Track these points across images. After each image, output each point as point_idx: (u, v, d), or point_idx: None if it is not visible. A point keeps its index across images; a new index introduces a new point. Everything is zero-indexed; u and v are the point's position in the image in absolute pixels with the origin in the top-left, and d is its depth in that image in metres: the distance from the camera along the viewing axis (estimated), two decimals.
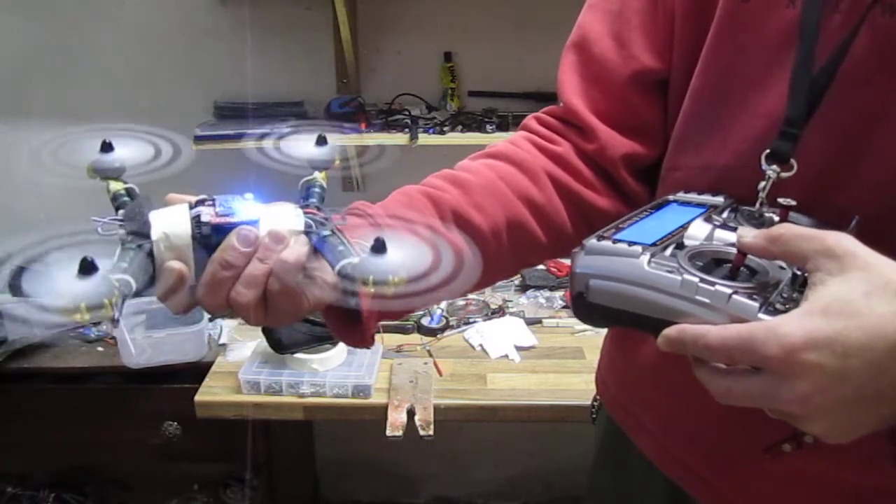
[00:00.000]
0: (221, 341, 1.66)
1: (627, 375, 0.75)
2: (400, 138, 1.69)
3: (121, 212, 0.52)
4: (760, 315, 0.43)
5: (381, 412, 1.39)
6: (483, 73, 1.86)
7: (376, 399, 1.43)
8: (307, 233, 0.51)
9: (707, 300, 0.45)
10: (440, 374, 1.51)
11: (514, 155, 0.70)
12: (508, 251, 0.67)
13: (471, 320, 1.71)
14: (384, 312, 0.60)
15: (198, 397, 1.44)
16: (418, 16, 1.83)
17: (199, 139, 1.68)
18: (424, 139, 1.68)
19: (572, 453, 2.21)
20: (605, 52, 0.68)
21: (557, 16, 1.82)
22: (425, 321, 1.68)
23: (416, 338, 1.66)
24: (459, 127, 1.73)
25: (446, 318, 1.70)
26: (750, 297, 0.44)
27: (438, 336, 1.66)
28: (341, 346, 1.50)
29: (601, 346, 0.85)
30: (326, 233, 0.51)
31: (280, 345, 1.46)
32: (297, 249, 0.51)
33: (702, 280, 0.45)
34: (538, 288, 1.87)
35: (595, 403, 0.88)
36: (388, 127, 1.73)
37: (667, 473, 0.69)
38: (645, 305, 0.48)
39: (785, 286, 0.46)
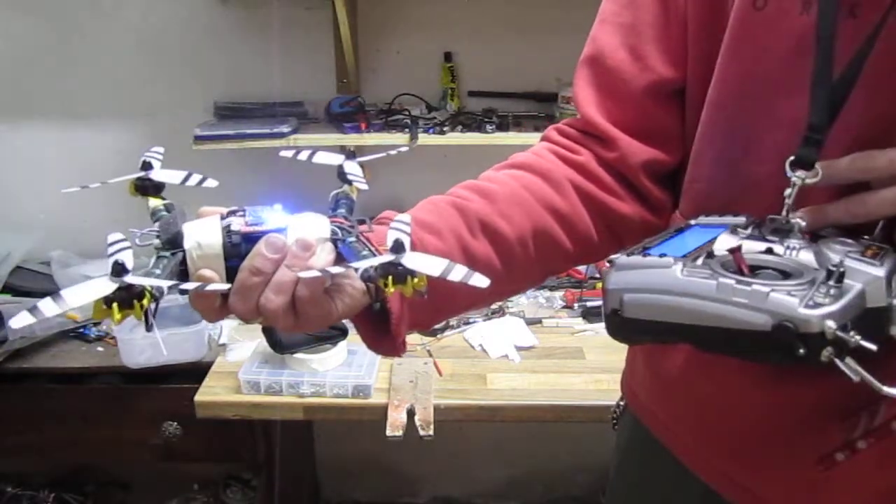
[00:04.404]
0: (221, 341, 1.66)
1: (655, 387, 0.75)
2: (400, 138, 1.69)
3: (157, 224, 0.54)
4: (801, 310, 0.43)
5: (381, 412, 1.39)
6: (483, 73, 1.86)
7: (376, 399, 1.43)
8: (334, 240, 0.53)
9: (746, 300, 0.44)
10: (440, 374, 1.51)
11: (536, 165, 0.70)
12: (535, 259, 0.67)
13: (471, 320, 1.71)
14: (413, 319, 0.60)
15: (198, 397, 1.44)
16: (418, 16, 1.83)
17: (199, 139, 1.67)
18: (424, 139, 1.68)
19: (572, 453, 2.21)
20: (620, 65, 0.69)
21: (557, 16, 1.82)
22: None
23: (416, 338, 1.66)
24: (459, 127, 1.73)
25: None
26: (788, 293, 0.44)
27: (438, 336, 1.66)
28: (341, 346, 1.50)
29: (626, 353, 0.84)
30: (352, 240, 0.53)
31: (280, 345, 1.46)
32: (323, 257, 0.52)
33: (738, 281, 0.45)
34: (538, 288, 1.87)
35: (618, 408, 0.87)
36: (388, 127, 1.73)
37: (704, 479, 0.69)
38: (683, 314, 0.47)
39: (821, 283, 0.45)
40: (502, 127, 1.73)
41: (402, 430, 1.36)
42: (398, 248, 0.48)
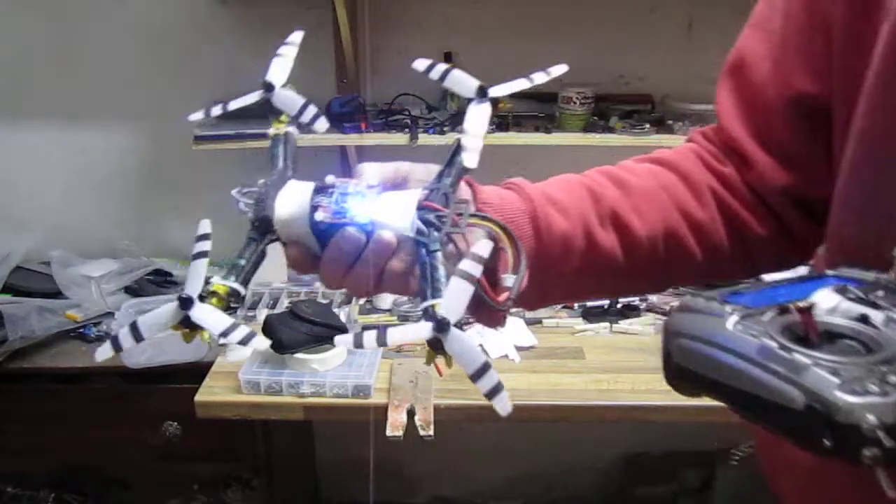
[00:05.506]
0: (221, 341, 1.66)
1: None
2: (400, 138, 1.69)
3: (261, 182, 0.55)
4: (836, 392, 0.35)
5: (381, 412, 1.39)
6: (483, 73, 1.85)
7: (376, 399, 1.43)
8: (416, 240, 0.51)
9: (782, 369, 0.38)
10: (440, 374, 1.51)
11: (679, 165, 0.67)
12: (661, 262, 0.64)
13: (471, 320, 1.70)
14: (518, 300, 0.56)
15: (198, 397, 1.44)
16: (418, 16, 1.83)
17: (198, 139, 1.67)
18: (424, 139, 1.68)
19: (572, 453, 2.21)
20: (762, 76, 0.63)
21: (558, 16, 1.82)
22: None
23: None
24: (459, 127, 1.73)
25: None
26: (834, 371, 0.36)
27: None
28: (341, 346, 1.50)
29: None
30: (435, 246, 0.51)
31: (280, 345, 1.46)
32: (402, 258, 0.52)
33: (781, 346, 0.39)
34: None
35: (749, 447, 0.82)
36: (388, 127, 1.73)
37: None
38: (723, 371, 0.41)
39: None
40: (502, 127, 1.73)
41: (402, 430, 1.36)
42: (442, 327, 0.45)
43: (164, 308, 0.49)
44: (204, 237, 0.51)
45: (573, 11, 1.81)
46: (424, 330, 0.45)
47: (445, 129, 1.72)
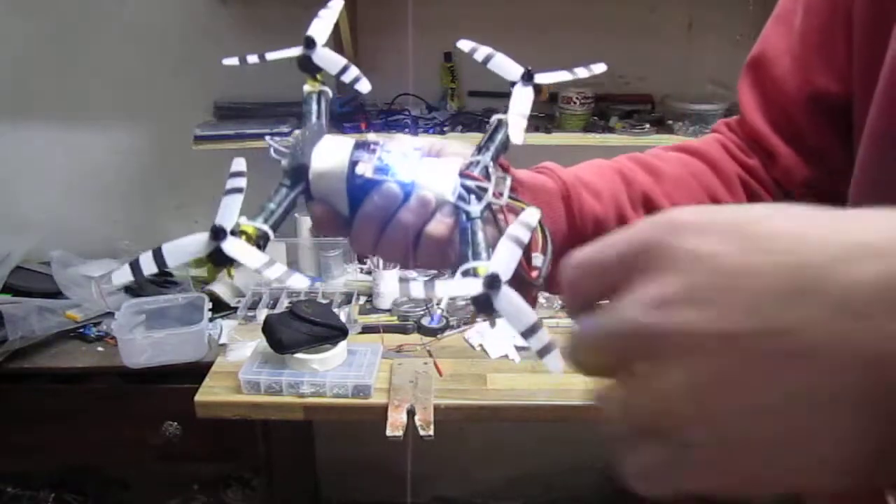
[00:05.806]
0: (221, 341, 1.66)
1: None
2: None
3: (296, 132, 0.53)
4: None
5: (381, 412, 1.39)
6: (483, 73, 1.85)
7: (376, 399, 1.43)
8: (457, 206, 0.50)
9: None
10: (440, 374, 1.51)
11: (707, 154, 0.67)
12: None
13: (478, 319, 1.70)
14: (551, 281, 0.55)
15: (198, 397, 1.44)
16: (418, 16, 1.83)
17: (199, 139, 1.67)
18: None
19: (572, 453, 2.21)
20: (782, 71, 0.63)
21: (557, 16, 1.83)
22: (425, 321, 1.69)
23: (416, 338, 1.66)
24: (459, 127, 1.73)
25: (446, 318, 1.70)
26: None
27: (438, 336, 1.66)
28: (341, 346, 1.50)
29: None
30: (475, 214, 0.50)
31: (280, 345, 1.46)
32: (441, 220, 0.50)
33: None
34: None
35: None
36: (388, 127, 1.73)
37: None
38: None
39: None
40: None
41: (402, 430, 1.36)
42: (493, 283, 0.44)
43: (192, 237, 0.45)
44: (238, 174, 0.48)
45: (573, 11, 1.81)
46: (474, 285, 0.44)
47: (445, 129, 1.72)
